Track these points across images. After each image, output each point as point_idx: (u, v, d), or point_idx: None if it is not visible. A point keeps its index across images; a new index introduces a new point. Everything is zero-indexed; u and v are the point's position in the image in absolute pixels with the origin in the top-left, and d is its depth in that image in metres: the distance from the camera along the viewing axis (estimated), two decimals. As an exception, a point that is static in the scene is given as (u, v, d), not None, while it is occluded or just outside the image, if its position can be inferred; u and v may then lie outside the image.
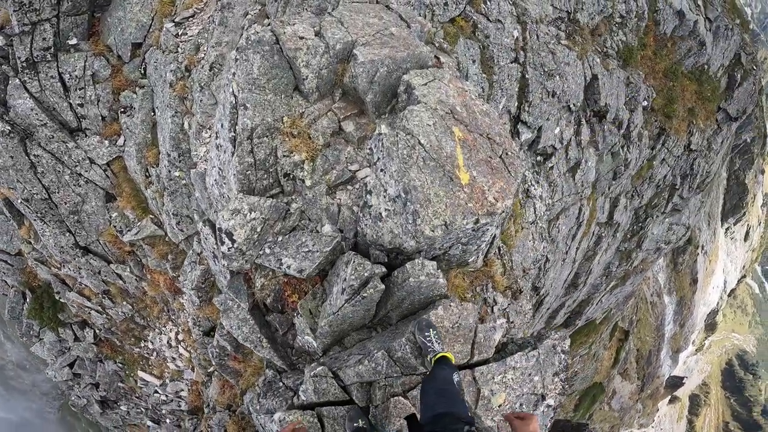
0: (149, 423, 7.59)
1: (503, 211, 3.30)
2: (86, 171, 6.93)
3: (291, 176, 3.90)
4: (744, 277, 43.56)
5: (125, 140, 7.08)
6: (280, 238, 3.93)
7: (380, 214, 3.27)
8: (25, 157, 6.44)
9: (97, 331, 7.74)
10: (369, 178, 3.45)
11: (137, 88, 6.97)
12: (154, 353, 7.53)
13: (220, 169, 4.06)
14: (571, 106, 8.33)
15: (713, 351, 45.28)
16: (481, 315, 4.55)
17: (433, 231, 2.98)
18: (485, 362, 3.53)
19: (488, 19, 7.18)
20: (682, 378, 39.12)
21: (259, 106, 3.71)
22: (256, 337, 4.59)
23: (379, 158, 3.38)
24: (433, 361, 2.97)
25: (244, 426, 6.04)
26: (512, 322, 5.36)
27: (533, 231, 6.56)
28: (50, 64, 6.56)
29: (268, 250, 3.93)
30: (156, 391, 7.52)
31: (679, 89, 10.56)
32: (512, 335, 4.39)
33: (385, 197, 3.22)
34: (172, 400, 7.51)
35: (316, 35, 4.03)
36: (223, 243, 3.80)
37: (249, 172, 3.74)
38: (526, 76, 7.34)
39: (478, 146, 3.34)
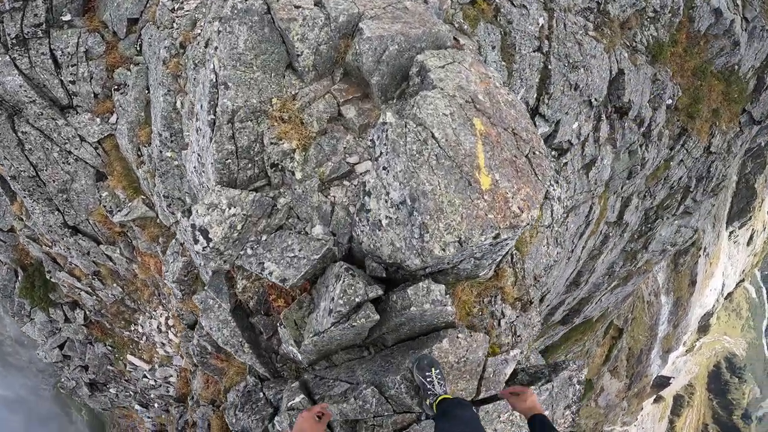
0: (137, 407, 7.16)
1: (528, 224, 2.63)
2: (76, 149, 6.35)
3: (279, 167, 3.23)
4: (743, 281, 42.38)
5: (118, 118, 6.51)
6: (264, 238, 3.29)
7: (380, 221, 2.61)
8: (12, 134, 5.90)
9: (88, 312, 7.25)
10: (368, 177, 2.77)
11: (132, 66, 6.43)
12: (144, 337, 7.03)
13: (199, 155, 3.41)
14: (593, 100, 7.53)
15: (703, 353, 44.42)
16: (487, 329, 3.92)
17: (443, 249, 2.33)
18: (492, 399, 2.91)
19: (512, 4, 6.37)
20: (669, 378, 38.44)
21: (244, 86, 3.03)
22: (238, 341, 4.01)
23: (381, 153, 2.70)
24: (434, 406, 2.36)
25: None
26: (519, 336, 4.75)
27: (548, 235, 5.87)
28: (41, 40, 6.03)
29: (249, 251, 3.29)
30: (145, 376, 7.05)
31: (706, 89, 9.66)
32: (523, 365, 3.76)
33: (386, 202, 2.56)
34: (160, 386, 7.04)
35: (315, 5, 3.31)
36: (197, 241, 3.17)
37: (229, 160, 3.08)
38: (549, 66, 6.54)
39: (502, 143, 2.65)
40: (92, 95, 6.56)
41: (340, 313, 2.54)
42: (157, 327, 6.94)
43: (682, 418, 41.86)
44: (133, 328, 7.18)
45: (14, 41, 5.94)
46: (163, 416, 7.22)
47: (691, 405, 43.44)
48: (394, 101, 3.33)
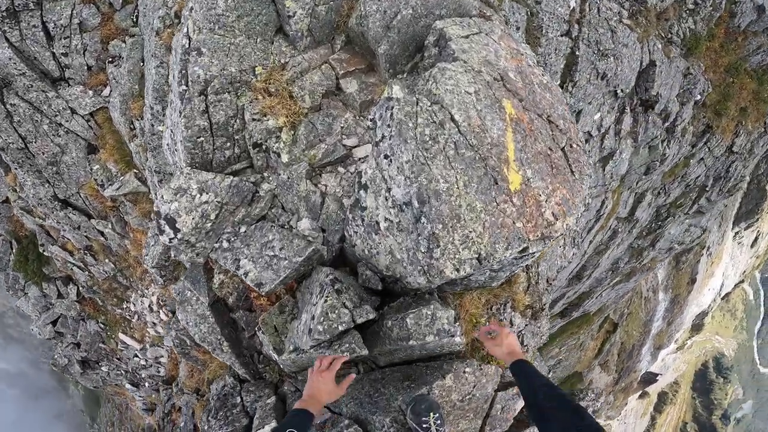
0: (128, 386, 6.78)
1: (562, 234, 2.01)
2: (66, 121, 5.89)
3: (263, 147, 2.63)
4: (742, 282, 41.22)
5: (111, 91, 6.00)
6: (242, 229, 2.70)
7: (377, 223, 2.00)
8: (0, 107, 5.43)
9: (80, 288, 6.81)
10: (365, 166, 2.14)
11: (127, 37, 5.91)
12: (136, 316, 6.58)
13: (171, 131, 2.81)
14: (619, 91, 6.76)
15: (693, 351, 43.57)
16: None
17: (457, 269, 1.73)
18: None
19: (543, -19, 5.59)
20: (657, 375, 37.76)
21: (221, 51, 2.40)
22: (216, 338, 3.47)
23: (384, 137, 2.07)
24: None
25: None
26: (526, 346, 4.17)
27: (566, 235, 5.22)
28: (33, 12, 5.52)
29: (226, 244, 2.72)
30: (136, 355, 6.64)
31: (738, 87, 8.79)
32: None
33: (387, 200, 1.94)
34: (151, 366, 6.63)
35: (315, -48, 2.65)
36: (162, 232, 2.60)
37: (201, 138, 2.48)
38: (577, 53, 5.77)
39: (536, 132, 2.01)
40: (85, 67, 6.13)
41: (318, 339, 1.97)
42: (149, 306, 6.49)
43: (663, 414, 41.34)
44: (125, 306, 6.73)
45: (4, 14, 5.49)
46: (153, 396, 6.83)
47: (674, 402, 42.84)
48: (405, 76, 2.68)
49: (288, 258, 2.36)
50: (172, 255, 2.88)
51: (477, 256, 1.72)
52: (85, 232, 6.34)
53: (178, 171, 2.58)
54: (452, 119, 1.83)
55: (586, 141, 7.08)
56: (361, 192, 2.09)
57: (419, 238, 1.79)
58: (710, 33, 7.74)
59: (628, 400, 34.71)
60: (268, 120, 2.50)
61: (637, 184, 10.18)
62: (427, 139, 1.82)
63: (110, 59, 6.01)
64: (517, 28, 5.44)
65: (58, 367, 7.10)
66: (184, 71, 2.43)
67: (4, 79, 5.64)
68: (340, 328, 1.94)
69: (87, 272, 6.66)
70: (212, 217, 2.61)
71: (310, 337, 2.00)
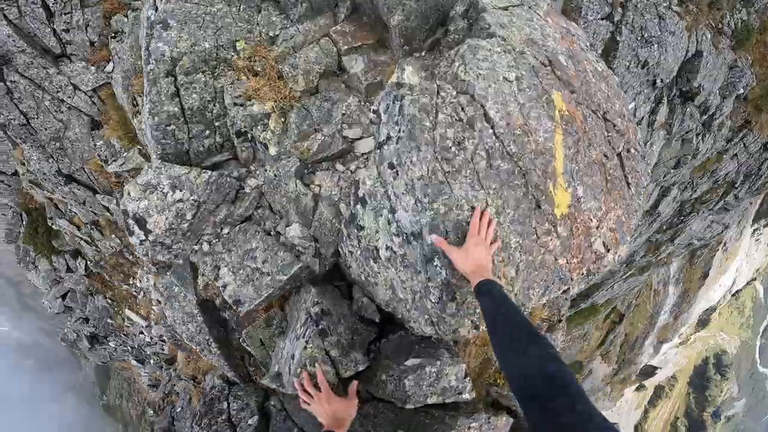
0: (134, 362, 6.64)
1: (610, 268, 1.51)
2: (69, 97, 5.57)
3: (248, 136, 2.15)
4: (754, 279, 39.59)
5: (114, 66, 5.62)
6: (225, 231, 2.26)
7: (376, 249, 1.51)
8: (0, 84, 5.12)
9: (88, 263, 6.58)
10: (363, 174, 1.62)
11: (129, 11, 5.47)
12: (142, 292, 6.33)
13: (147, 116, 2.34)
14: (658, 81, 6.01)
15: (695, 346, 42.34)
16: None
17: (476, 326, 1.25)
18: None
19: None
20: (657, 368, 36.91)
21: (192, 23, 1.90)
22: (204, 338, 3.08)
23: (390, 138, 1.53)
24: None
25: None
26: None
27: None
28: None
29: (206, 247, 2.28)
30: (141, 332, 6.44)
31: (784, 83, 7.85)
32: None
33: (389, 224, 1.43)
34: (156, 343, 6.43)
35: None
36: (131, 233, 2.18)
37: (173, 126, 2.00)
38: (617, 38, 5.04)
39: (590, 134, 1.48)
40: (88, 43, 5.77)
41: (298, 384, 1.53)
42: (154, 283, 6.22)
43: (656, 408, 40.58)
44: (131, 282, 6.48)
45: (2, -8, 5.09)
46: (157, 373, 6.68)
47: (669, 397, 41.98)
48: (423, 54, 2.14)
49: (271, 274, 1.91)
50: (148, 256, 2.47)
51: (505, 304, 1.24)
52: (91, 207, 6.05)
53: (146, 165, 2.13)
54: (485, 116, 1.30)
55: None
56: (358, 207, 1.59)
57: (429, 283, 1.30)
58: (763, 25, 6.83)
59: (624, 392, 34.13)
60: (252, 105, 2.01)
61: (664, 177, 9.44)
62: (450, 144, 1.28)
63: (113, 34, 5.66)
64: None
65: (67, 342, 6.99)
66: (147, 49, 1.94)
67: (3, 56, 5.35)
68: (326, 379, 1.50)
69: (94, 247, 6.41)
70: (188, 217, 2.17)
71: (290, 374, 1.57)
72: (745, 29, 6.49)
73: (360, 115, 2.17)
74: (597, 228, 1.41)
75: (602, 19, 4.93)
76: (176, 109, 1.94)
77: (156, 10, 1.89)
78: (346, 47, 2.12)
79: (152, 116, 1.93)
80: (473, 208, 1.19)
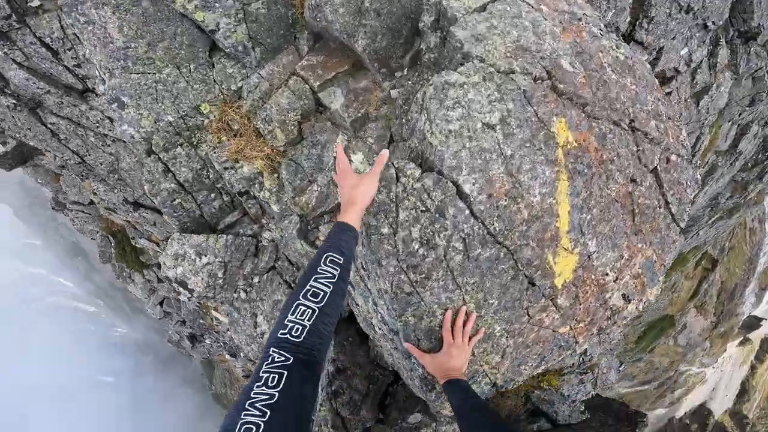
0: (228, 356, 7.65)
1: (633, 318, 1.40)
2: (110, 130, 5.90)
3: (251, 194, 2.25)
4: None
5: None
6: (256, 280, 2.47)
7: (371, 323, 1.57)
8: (42, 127, 5.44)
9: (172, 273, 7.53)
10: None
11: None
12: (222, 296, 7.15)
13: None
14: (710, 24, 4.98)
15: None
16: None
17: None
18: None
19: None
20: (761, 319, 32.61)
21: (145, 96, 1.91)
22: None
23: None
24: None
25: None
26: (590, 357, 3.55)
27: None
28: (21, 31, 5.16)
29: (243, 295, 2.52)
30: (227, 330, 7.36)
31: None
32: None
33: (375, 312, 1.43)
34: (242, 339, 7.31)
35: None
36: (179, 293, 2.47)
37: (177, 200, 2.15)
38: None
39: (608, 162, 1.30)
40: None
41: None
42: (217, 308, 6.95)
43: (764, 363, 36.40)
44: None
45: (-4, 36, 5.24)
46: (248, 364, 7.65)
47: None
48: (405, 73, 2.00)
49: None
50: (200, 305, 2.80)
51: (492, 384, 1.23)
52: (162, 227, 6.79)
53: (171, 237, 2.35)
54: (459, 194, 1.17)
55: (672, 78, 5.39)
56: (349, 287, 1.64)
57: (413, 374, 1.31)
58: None
59: (726, 347, 31.07)
60: (242, 167, 2.07)
61: (740, 116, 8.21)
62: (417, 247, 1.16)
63: (131, 58, 5.76)
64: None
65: (173, 342, 8.22)
66: (120, 132, 2.05)
67: (32, 99, 5.61)
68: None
69: (173, 260, 7.30)
70: (220, 275, 2.38)
71: None
72: None
73: (354, 148, 2.13)
74: (615, 281, 1.28)
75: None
76: (173, 185, 2.08)
77: (104, 83, 1.95)
78: (318, 83, 2.02)
79: (154, 196, 2.10)
80: (447, 310, 1.16)
